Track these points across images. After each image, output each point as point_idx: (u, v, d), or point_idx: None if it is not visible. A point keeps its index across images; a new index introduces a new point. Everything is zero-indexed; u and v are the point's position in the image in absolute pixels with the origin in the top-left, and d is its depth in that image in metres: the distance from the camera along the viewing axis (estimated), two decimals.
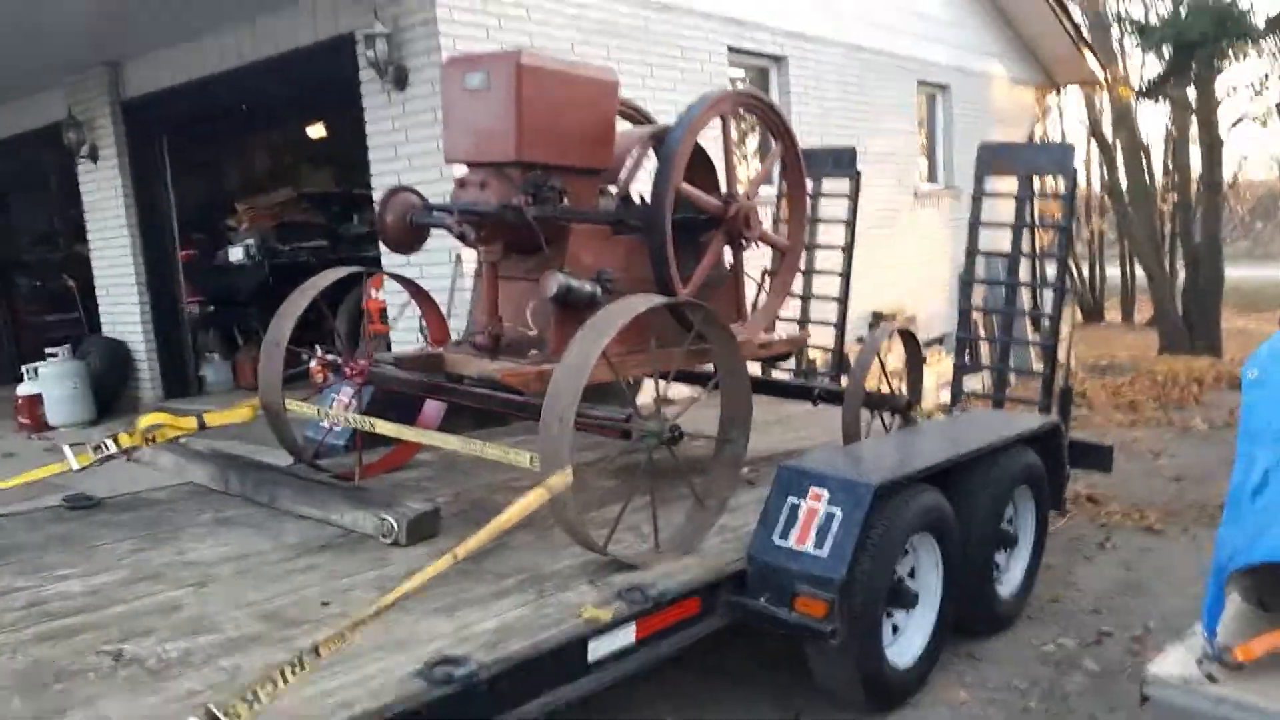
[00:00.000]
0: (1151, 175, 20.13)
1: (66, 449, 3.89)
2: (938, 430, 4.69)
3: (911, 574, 3.74)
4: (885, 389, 4.80)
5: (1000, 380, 5.98)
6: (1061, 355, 5.30)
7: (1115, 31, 19.75)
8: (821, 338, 6.04)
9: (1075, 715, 3.69)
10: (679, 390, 5.20)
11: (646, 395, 4.02)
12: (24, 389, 9.26)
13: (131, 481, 4.45)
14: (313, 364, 4.72)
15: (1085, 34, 14.67)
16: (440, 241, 4.99)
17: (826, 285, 6.08)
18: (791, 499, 3.38)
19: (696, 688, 3.90)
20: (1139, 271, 20.97)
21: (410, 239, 4.13)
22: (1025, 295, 10.44)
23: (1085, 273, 22.57)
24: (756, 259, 4.78)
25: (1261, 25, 15.15)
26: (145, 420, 4.10)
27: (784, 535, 3.32)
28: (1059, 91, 15.70)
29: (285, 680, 2.20)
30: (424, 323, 4.61)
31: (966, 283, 5.76)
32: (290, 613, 2.95)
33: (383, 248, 6.73)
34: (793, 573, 3.25)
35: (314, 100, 10.04)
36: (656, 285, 3.98)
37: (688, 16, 8.29)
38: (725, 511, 3.67)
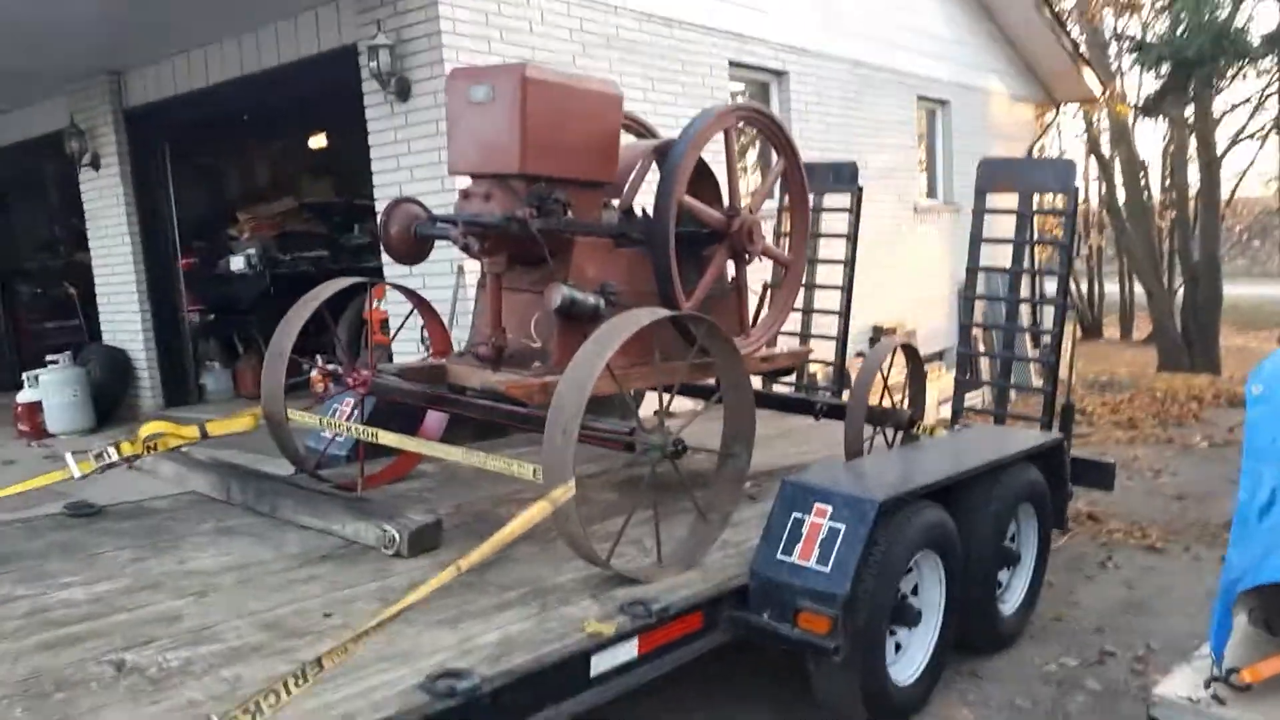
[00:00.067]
0: (1149, 192, 20.19)
1: (69, 457, 3.88)
2: (941, 446, 4.69)
3: (914, 591, 3.73)
4: (888, 404, 4.80)
5: (1001, 396, 5.98)
6: (1063, 372, 5.29)
7: (1113, 49, 19.86)
8: (821, 352, 6.04)
9: None
10: (679, 404, 5.20)
11: (645, 409, 4.01)
12: (24, 396, 9.24)
13: (133, 490, 4.44)
14: (313, 374, 4.72)
15: (1084, 51, 14.75)
16: (442, 252, 5.00)
17: (827, 300, 6.09)
18: (795, 514, 3.37)
19: (698, 702, 3.89)
20: (1138, 288, 21.02)
21: (414, 250, 4.13)
22: (1025, 311, 10.46)
23: (1084, 289, 22.63)
24: (756, 272, 4.78)
25: (1258, 44, 15.23)
26: (147, 429, 4.10)
27: (787, 551, 3.31)
28: (1058, 109, 15.75)
29: (288, 692, 2.19)
30: (426, 333, 4.61)
31: (968, 298, 5.76)
32: (292, 623, 2.94)
33: (385, 258, 6.77)
34: (796, 588, 3.24)
35: (316, 111, 10.09)
36: (659, 298, 3.98)
37: (690, 30, 8.32)
38: (728, 526, 3.66)
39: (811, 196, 5.39)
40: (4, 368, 11.64)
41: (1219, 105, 18.31)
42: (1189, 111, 17.63)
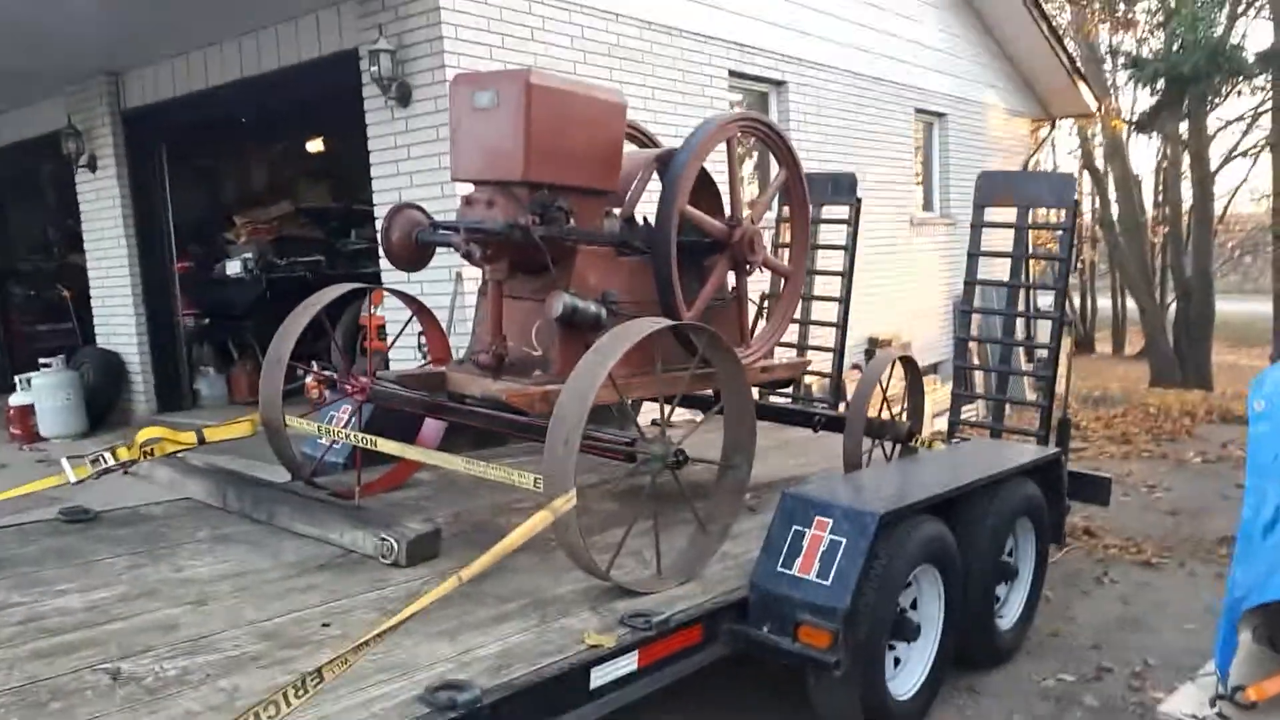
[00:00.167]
0: (1143, 208, 20.29)
1: (64, 462, 3.84)
2: (940, 460, 4.68)
3: (913, 605, 3.72)
4: (887, 417, 4.79)
5: (998, 410, 5.98)
6: (1060, 386, 5.29)
7: (1108, 65, 19.97)
8: (816, 364, 6.03)
9: None
10: (674, 414, 5.18)
11: (642, 419, 4.00)
12: (16, 399, 9.17)
13: (127, 496, 4.40)
14: (308, 380, 4.69)
15: (1080, 66, 14.83)
16: (441, 259, 4.98)
17: (824, 311, 6.09)
18: (796, 527, 3.36)
19: (698, 716, 3.87)
20: (1130, 303, 21.10)
21: (416, 257, 4.11)
22: (1020, 325, 10.48)
23: (1076, 303, 22.73)
24: (754, 283, 4.77)
25: (1252, 61, 15.33)
26: (144, 434, 4.06)
27: (787, 563, 3.30)
28: (1053, 124, 15.83)
29: (288, 703, 2.17)
30: (423, 340, 4.58)
31: (965, 312, 5.75)
32: (290, 632, 2.91)
33: (384, 264, 6.76)
34: (796, 601, 3.22)
35: (315, 115, 10.07)
36: (660, 308, 3.97)
37: (690, 40, 8.34)
38: (727, 538, 3.65)
39: (810, 208, 5.39)
40: None
41: (1212, 122, 18.44)
42: (1183, 128, 17.73)
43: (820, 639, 3.14)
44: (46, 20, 7.30)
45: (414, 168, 6.79)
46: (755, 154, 10.05)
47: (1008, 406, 6.85)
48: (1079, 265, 22.36)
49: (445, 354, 4.57)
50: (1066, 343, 5.30)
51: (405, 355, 6.02)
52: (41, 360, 9.31)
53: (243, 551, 3.65)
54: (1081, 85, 14.32)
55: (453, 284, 6.36)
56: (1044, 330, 7.98)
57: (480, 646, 2.82)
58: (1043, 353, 5.59)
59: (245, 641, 2.84)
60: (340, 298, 4.33)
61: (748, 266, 4.39)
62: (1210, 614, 4.80)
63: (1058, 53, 13.57)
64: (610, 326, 3.57)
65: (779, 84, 9.56)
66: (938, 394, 8.45)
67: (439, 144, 6.51)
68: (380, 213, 6.89)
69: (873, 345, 10.36)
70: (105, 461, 3.88)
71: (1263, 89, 17.09)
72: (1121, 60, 18.38)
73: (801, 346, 6.23)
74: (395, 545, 3.48)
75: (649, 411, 4.13)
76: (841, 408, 5.56)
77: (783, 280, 4.94)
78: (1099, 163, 21.03)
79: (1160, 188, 21.71)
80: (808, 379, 6.76)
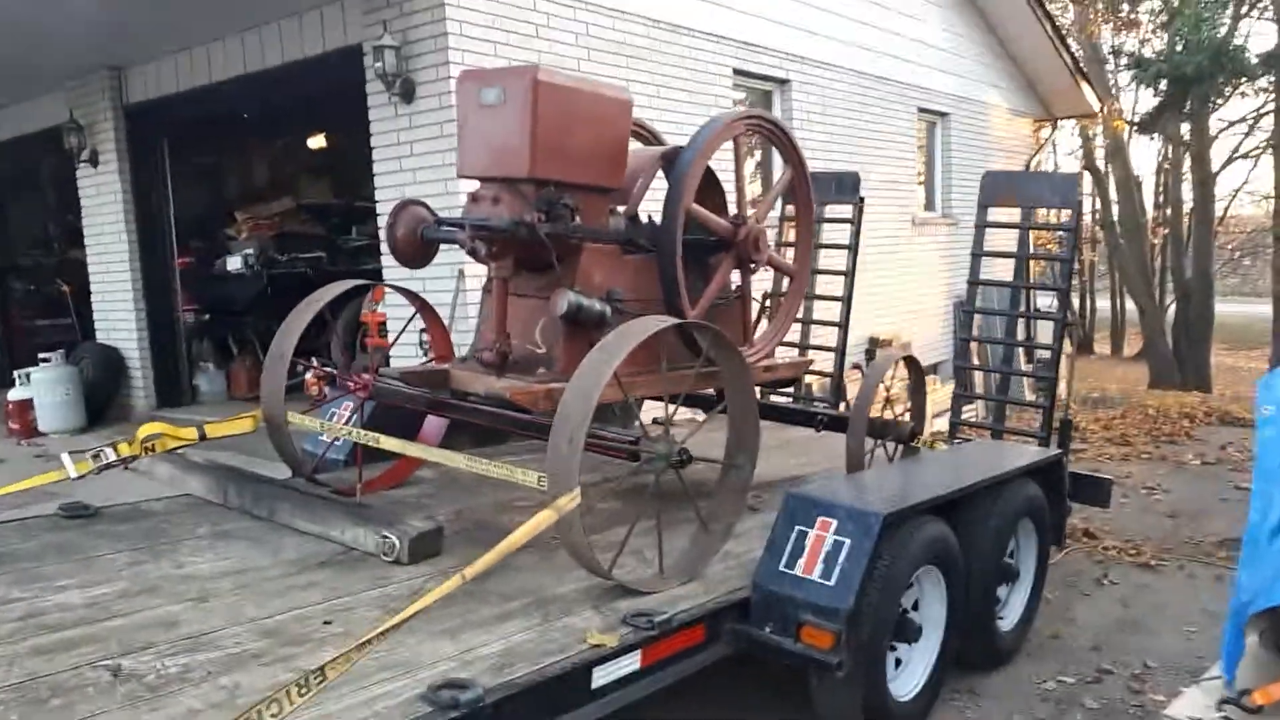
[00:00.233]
0: (1143, 208, 20.29)
1: (65, 457, 3.83)
2: (943, 461, 4.67)
3: (915, 606, 3.71)
4: (890, 416, 4.78)
5: (999, 411, 5.96)
6: (1061, 387, 5.28)
7: (1110, 65, 19.95)
8: (818, 363, 6.02)
9: None
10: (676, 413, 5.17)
11: (643, 418, 3.99)
12: (15, 394, 9.16)
13: (127, 491, 4.39)
14: (308, 376, 4.68)
15: (1082, 66, 14.82)
16: (444, 256, 4.96)
17: (825, 311, 6.08)
18: (799, 527, 3.35)
19: (699, 715, 3.86)
20: (1129, 304, 21.09)
21: (420, 253, 4.09)
22: (1021, 325, 10.47)
23: (1076, 304, 22.74)
24: (757, 282, 4.76)
25: (1255, 63, 15.32)
26: (145, 430, 4.05)
27: (790, 563, 3.29)
28: (1055, 125, 15.82)
29: (291, 702, 2.16)
30: (425, 337, 4.57)
31: (967, 312, 5.74)
32: (291, 630, 2.90)
33: (386, 260, 6.74)
34: (798, 601, 3.21)
35: (318, 111, 10.05)
36: (665, 306, 3.96)
37: (696, 38, 8.33)
38: (730, 537, 3.64)
39: (815, 206, 5.38)
40: None
41: (1214, 123, 18.43)
42: (1185, 129, 17.72)
43: (823, 640, 3.13)
44: (47, 20, 7.29)
45: (417, 164, 6.78)
46: (758, 152, 10.03)
47: (1008, 407, 6.83)
48: (1080, 265, 22.36)
49: (448, 351, 4.55)
50: (1067, 344, 5.28)
51: (406, 352, 6.01)
52: (41, 355, 9.30)
53: (243, 548, 3.64)
54: (1084, 85, 14.31)
55: (455, 281, 6.35)
56: (1045, 331, 7.98)
57: (483, 645, 2.81)
58: (1044, 354, 5.58)
59: (246, 639, 2.82)
60: (341, 294, 4.32)
61: (752, 265, 4.38)
62: (1209, 616, 4.80)
63: (1061, 53, 13.55)
64: (615, 324, 3.56)
65: (783, 82, 9.54)
66: (938, 394, 8.45)
67: (442, 140, 6.50)
68: (383, 209, 6.88)
69: (873, 345, 10.35)
70: (106, 457, 3.87)
71: (1265, 90, 17.09)
72: (1124, 60, 18.37)
73: (803, 346, 6.22)
74: (397, 543, 3.46)
75: (649, 411, 4.12)
76: (842, 407, 5.54)
77: (786, 279, 4.92)
78: (1100, 163, 21.02)
79: (1161, 189, 21.72)
80: (808, 378, 6.76)
